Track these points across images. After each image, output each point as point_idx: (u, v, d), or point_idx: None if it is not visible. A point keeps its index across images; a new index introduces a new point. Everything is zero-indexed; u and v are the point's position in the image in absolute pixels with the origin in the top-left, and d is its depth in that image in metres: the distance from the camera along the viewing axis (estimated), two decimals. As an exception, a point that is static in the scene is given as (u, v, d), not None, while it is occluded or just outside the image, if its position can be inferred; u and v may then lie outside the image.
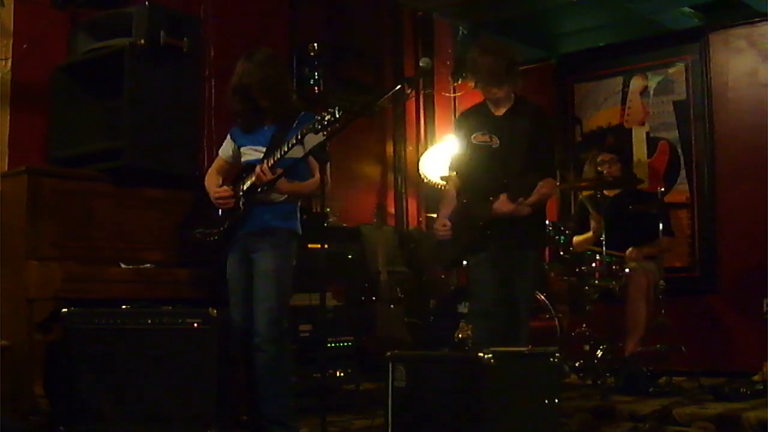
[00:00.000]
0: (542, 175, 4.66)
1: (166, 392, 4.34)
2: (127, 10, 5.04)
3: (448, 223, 4.88)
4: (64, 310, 4.40)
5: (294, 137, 4.30)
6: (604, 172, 6.57)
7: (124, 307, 4.49)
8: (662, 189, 6.94)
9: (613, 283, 6.26)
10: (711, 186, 7.66)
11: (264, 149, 4.53)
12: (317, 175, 4.41)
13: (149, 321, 4.42)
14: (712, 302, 7.61)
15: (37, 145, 5.28)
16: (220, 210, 4.67)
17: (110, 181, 4.91)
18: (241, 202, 4.58)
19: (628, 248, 6.43)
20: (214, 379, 4.38)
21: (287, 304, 4.59)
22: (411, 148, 8.20)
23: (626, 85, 8.18)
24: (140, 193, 5.03)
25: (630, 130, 8.09)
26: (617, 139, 7.93)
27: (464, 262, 5.03)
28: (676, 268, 7.49)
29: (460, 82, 8.45)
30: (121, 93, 4.95)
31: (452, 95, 8.62)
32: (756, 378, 6.03)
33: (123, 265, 4.80)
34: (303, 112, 4.56)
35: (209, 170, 4.84)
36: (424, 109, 8.37)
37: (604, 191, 6.71)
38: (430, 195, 8.01)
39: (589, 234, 6.66)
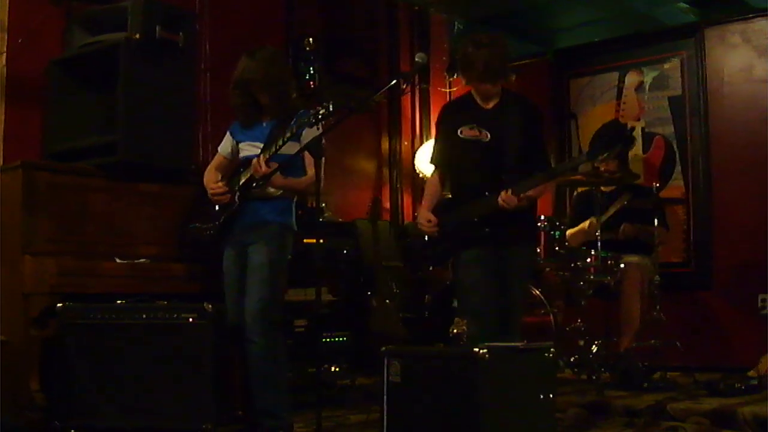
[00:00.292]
0: (541, 170, 4.65)
1: (161, 387, 4.33)
2: (123, 5, 5.02)
3: (434, 219, 4.79)
4: (60, 305, 4.39)
5: (289, 130, 4.31)
6: (601, 167, 6.57)
7: (119, 302, 4.49)
8: (657, 184, 6.95)
9: (608, 278, 6.27)
10: (706, 181, 7.67)
11: (262, 145, 4.54)
12: (311, 172, 4.43)
13: (144, 316, 4.41)
14: (707, 297, 7.63)
15: (33, 139, 5.27)
16: (216, 206, 4.69)
17: (105, 176, 4.90)
18: (236, 196, 4.59)
19: (624, 246, 6.45)
20: (210, 374, 4.37)
21: (278, 297, 4.60)
22: (406, 143, 8.20)
23: (622, 80, 8.19)
24: (135, 188, 5.01)
25: (625, 125, 8.09)
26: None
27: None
28: (672, 264, 7.50)
29: (455, 77, 8.44)
30: (116, 87, 4.94)
31: (448, 90, 8.60)
32: (751, 373, 6.02)
33: (118, 260, 4.79)
34: (302, 110, 4.56)
35: (208, 167, 4.87)
36: (420, 104, 8.36)
37: (601, 187, 6.72)
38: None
39: (584, 225, 6.64)
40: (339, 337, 6.08)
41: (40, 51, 5.34)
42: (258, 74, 4.54)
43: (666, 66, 7.93)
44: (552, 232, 6.55)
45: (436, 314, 6.61)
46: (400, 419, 3.93)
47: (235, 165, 4.77)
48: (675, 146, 7.85)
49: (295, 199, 4.72)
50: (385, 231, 6.77)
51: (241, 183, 4.58)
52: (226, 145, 4.82)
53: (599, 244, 6.19)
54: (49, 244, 4.60)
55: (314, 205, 5.15)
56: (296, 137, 4.38)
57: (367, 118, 7.83)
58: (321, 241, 5.76)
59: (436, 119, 5.25)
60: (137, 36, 4.86)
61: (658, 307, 6.40)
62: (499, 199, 4.50)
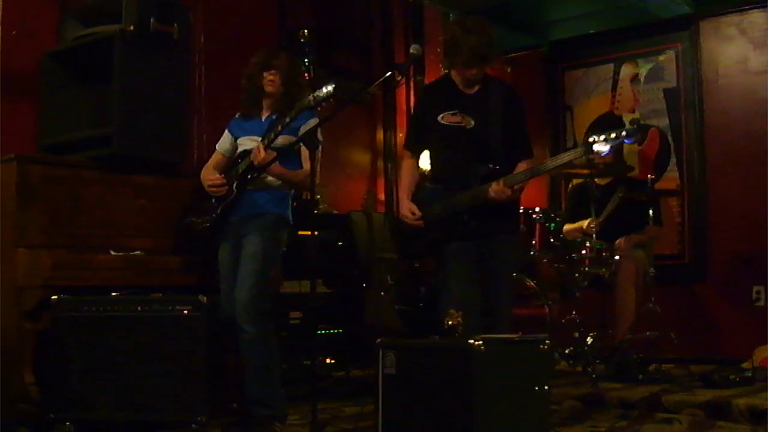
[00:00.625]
0: (527, 158, 4.59)
1: (155, 379, 4.33)
2: (117, -3, 5.01)
3: (418, 211, 4.65)
4: (54, 297, 4.38)
5: (289, 115, 4.37)
6: (596, 159, 6.56)
7: (113, 294, 4.48)
8: (653, 177, 6.95)
9: (603, 270, 6.26)
10: (701, 174, 7.69)
11: (260, 138, 4.56)
12: (307, 166, 4.43)
13: (139, 308, 4.41)
14: (702, 290, 7.65)
15: (27, 132, 5.25)
16: (213, 198, 4.70)
17: (100, 168, 4.88)
18: (234, 185, 4.61)
19: (618, 236, 6.45)
20: (204, 366, 4.37)
21: (269, 287, 4.60)
22: (401, 135, 8.18)
23: (617, 72, 8.20)
24: (130, 180, 5.00)
25: (620, 117, 8.10)
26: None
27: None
28: (666, 256, 7.51)
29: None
30: (110, 80, 4.91)
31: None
32: (745, 365, 6.05)
33: (113, 253, 4.77)
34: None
35: (206, 164, 4.89)
36: (415, 97, 8.35)
37: (595, 179, 6.71)
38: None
39: (582, 223, 6.63)
40: (334, 329, 6.08)
41: (34, 43, 5.32)
42: (283, 64, 4.67)
43: (661, 58, 7.94)
44: (547, 224, 6.54)
45: (431, 306, 6.60)
46: (395, 411, 3.93)
47: (233, 162, 4.78)
48: (670, 138, 7.87)
49: (291, 192, 4.73)
50: (379, 223, 6.76)
51: (239, 172, 4.60)
52: (224, 142, 4.85)
53: (594, 235, 6.20)
54: (43, 237, 4.58)
55: (309, 197, 5.14)
56: (294, 131, 4.43)
57: (361, 111, 7.83)
58: (316, 233, 5.75)
59: (414, 103, 5.14)
60: (131, 28, 4.84)
61: (653, 299, 6.41)
62: (491, 190, 4.39)
